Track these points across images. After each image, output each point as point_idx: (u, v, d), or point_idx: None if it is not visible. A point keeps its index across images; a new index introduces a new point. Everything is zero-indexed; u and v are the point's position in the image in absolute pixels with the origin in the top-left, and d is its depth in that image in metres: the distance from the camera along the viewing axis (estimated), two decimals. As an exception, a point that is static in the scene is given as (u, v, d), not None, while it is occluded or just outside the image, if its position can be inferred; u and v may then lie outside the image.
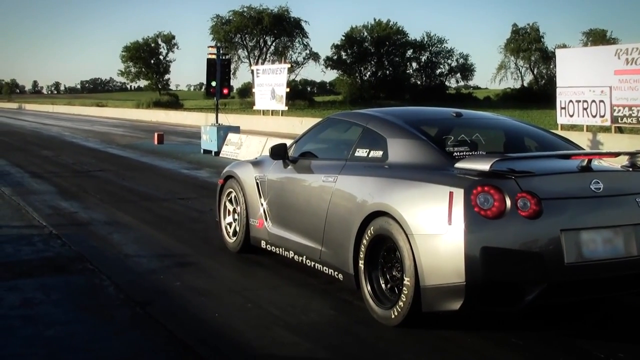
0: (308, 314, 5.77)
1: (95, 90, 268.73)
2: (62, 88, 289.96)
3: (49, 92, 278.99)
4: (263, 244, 7.28)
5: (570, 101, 22.47)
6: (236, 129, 22.59)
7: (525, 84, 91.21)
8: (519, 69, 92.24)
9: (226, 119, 26.68)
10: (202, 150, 22.34)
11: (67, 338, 5.11)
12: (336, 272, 6.03)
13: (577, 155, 5.35)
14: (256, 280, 6.85)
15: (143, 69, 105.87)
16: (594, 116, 21.76)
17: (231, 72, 30.24)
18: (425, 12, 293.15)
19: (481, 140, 5.95)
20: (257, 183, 7.37)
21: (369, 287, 5.50)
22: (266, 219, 7.18)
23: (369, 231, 5.46)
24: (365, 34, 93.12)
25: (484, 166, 4.89)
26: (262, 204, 7.24)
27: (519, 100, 78.69)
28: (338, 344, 5.06)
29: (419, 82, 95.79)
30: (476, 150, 5.64)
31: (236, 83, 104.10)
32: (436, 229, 4.85)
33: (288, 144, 7.18)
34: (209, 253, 7.94)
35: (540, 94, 74.67)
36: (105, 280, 6.68)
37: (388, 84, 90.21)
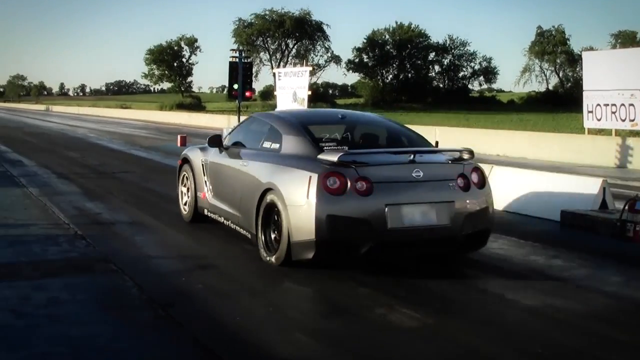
0: (330, 319, 5.80)
1: (120, 92, 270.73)
2: (87, 90, 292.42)
3: (75, 94, 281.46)
4: (206, 212, 9.06)
5: (598, 105, 22.14)
6: (258, 132, 22.67)
7: (551, 87, 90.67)
8: (544, 72, 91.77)
9: (249, 121, 26.82)
10: (224, 153, 22.45)
11: (92, 338, 5.18)
12: (247, 233, 7.73)
13: (406, 152, 7.01)
14: (277, 284, 6.88)
15: (166, 72, 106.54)
16: (623, 120, 21.40)
17: (253, 75, 30.30)
18: (448, 15, 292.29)
19: (350, 137, 8.12)
20: (202, 164, 9.14)
21: (263, 240, 7.25)
22: (207, 192, 8.94)
23: (264, 202, 7.18)
24: (387, 37, 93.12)
25: (334, 158, 6.55)
26: (205, 181, 9.02)
27: (544, 103, 78.18)
28: (359, 351, 5.07)
29: (441, 85, 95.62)
30: (344, 145, 7.46)
31: (258, 86, 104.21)
32: (300, 202, 6.55)
33: (223, 136, 9.01)
34: (230, 255, 7.98)
35: (566, 97, 74.18)
36: (128, 281, 6.74)
37: (410, 87, 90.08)
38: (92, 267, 7.26)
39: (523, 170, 12.71)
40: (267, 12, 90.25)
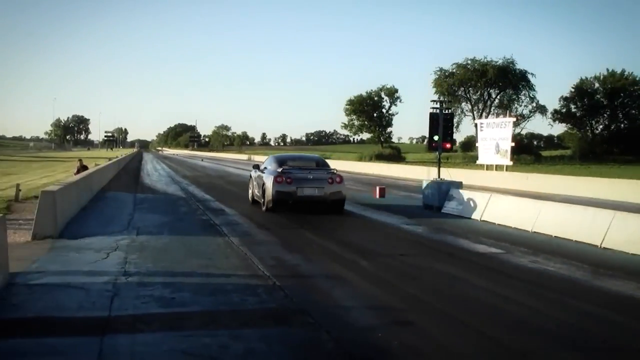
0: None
1: (320, 142, 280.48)
2: (288, 140, 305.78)
3: (276, 144, 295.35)
4: (255, 198, 20.48)
5: None
6: (458, 184, 22.28)
7: None
8: None
9: (448, 173, 26.53)
10: (423, 205, 22.32)
11: (287, 392, 5.23)
12: (260, 202, 19.65)
13: (308, 169, 19.44)
14: (471, 344, 6.66)
15: (366, 122, 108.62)
16: None
17: (454, 126, 30.08)
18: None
19: (296, 163, 20.00)
20: (254, 177, 20.79)
21: (263, 202, 19.10)
22: (255, 189, 20.50)
23: (263, 187, 19.13)
24: (597, 85, 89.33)
25: (280, 169, 18.69)
26: (255, 184, 20.57)
27: None
28: None
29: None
30: (294, 167, 19.30)
31: (459, 136, 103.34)
32: (269, 186, 18.40)
33: (260, 164, 21.10)
34: (426, 311, 7.88)
35: None
36: (324, 334, 6.82)
37: (623, 138, 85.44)
38: (289, 319, 7.43)
39: None
40: (469, 62, 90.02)
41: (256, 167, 21.26)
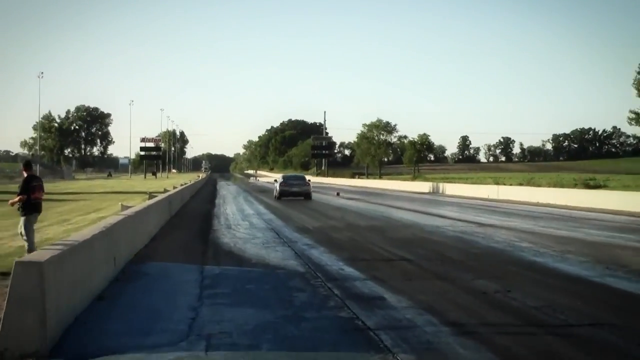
0: None
1: (581, 153, 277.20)
2: (515, 151, 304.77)
3: (489, 159, 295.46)
4: (275, 194, 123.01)
5: None
6: None
7: None
8: None
9: None
10: None
11: None
12: (274, 195, 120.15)
13: (297, 178, 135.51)
14: None
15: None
16: None
17: None
18: None
19: (291, 177, 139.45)
20: (275, 186, 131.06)
21: (276, 195, 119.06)
22: (275, 192, 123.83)
23: (275, 189, 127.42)
24: None
25: (283, 180, 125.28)
26: (275, 188, 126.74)
27: None
28: None
29: None
30: (288, 180, 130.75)
31: None
32: (278, 187, 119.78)
33: (277, 179, 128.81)
34: None
35: None
36: None
37: None
38: None
39: None
40: None
41: (275, 181, 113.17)
